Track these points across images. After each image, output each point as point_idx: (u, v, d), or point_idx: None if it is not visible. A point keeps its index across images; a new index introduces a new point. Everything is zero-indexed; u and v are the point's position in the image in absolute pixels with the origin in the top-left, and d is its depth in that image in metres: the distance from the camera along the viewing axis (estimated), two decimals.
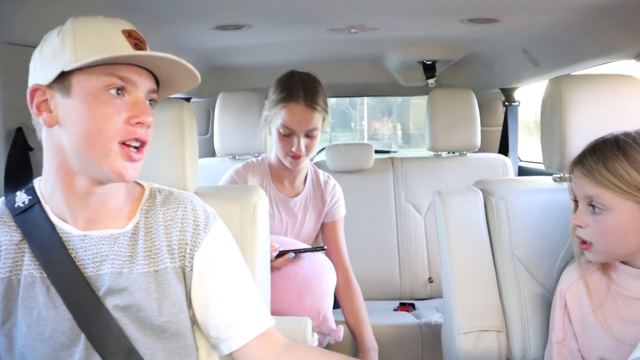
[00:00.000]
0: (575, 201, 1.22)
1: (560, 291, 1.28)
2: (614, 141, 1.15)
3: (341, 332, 1.82)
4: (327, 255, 1.97)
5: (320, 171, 2.08)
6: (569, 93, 1.38)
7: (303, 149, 1.85)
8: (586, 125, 1.36)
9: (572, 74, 1.98)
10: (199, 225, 1.08)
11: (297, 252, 1.81)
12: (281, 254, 1.78)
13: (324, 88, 1.91)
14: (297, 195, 2.01)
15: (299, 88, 1.85)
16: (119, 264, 1.02)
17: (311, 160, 2.62)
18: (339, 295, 1.96)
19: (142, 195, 1.10)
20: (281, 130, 1.86)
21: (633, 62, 1.79)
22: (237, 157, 2.54)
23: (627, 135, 1.16)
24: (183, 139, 1.38)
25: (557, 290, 1.29)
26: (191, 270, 1.07)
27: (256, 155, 2.49)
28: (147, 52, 0.98)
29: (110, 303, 1.01)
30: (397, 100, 6.95)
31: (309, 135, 1.86)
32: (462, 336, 1.38)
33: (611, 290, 1.20)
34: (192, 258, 1.07)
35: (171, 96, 1.15)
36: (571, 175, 1.22)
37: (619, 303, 1.19)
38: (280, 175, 2.00)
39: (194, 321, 1.10)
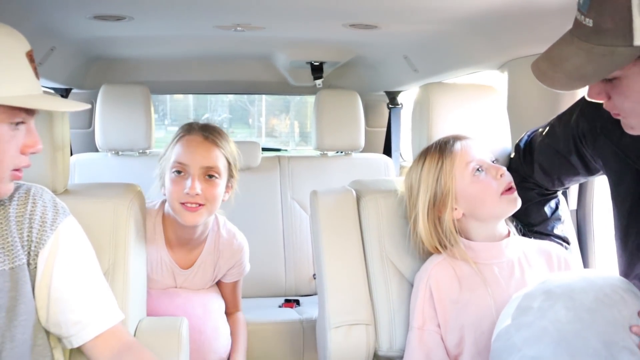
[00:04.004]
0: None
1: (421, 278, 1.37)
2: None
3: None
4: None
5: (223, 223, 1.72)
6: (435, 99, 1.49)
7: (198, 189, 1.47)
8: (449, 128, 1.47)
9: (441, 81, 2.12)
10: (46, 222, 1.06)
11: None
12: None
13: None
14: (190, 265, 1.67)
15: (196, 125, 1.59)
16: None
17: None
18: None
19: None
20: (173, 169, 1.52)
21: (497, 72, 1.94)
22: (120, 153, 2.46)
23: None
24: (51, 134, 1.32)
25: (418, 278, 1.38)
26: (35, 268, 1.05)
27: (141, 151, 2.43)
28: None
29: None
30: (295, 97, 7.00)
31: (208, 175, 1.51)
32: (333, 330, 1.44)
33: (469, 268, 1.33)
34: (36, 256, 1.05)
35: (49, 86, 1.12)
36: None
37: (478, 276, 1.32)
38: (174, 235, 1.63)
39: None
